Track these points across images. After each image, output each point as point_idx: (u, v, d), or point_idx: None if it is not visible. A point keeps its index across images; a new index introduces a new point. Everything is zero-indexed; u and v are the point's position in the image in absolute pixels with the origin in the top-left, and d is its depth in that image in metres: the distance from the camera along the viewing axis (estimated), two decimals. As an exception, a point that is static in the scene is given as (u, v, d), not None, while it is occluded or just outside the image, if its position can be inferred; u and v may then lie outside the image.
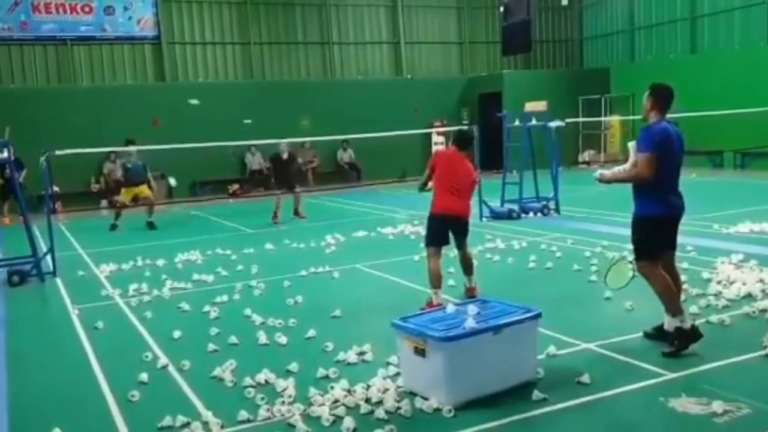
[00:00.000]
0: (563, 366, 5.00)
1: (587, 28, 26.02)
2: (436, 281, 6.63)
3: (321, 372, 5.00)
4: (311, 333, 6.00)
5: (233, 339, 5.94)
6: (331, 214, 14.53)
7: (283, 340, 5.88)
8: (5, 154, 8.91)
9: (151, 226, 13.36)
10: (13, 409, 4.82)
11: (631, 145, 5.40)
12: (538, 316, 4.75)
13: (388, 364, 5.08)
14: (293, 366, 5.14)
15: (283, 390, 4.69)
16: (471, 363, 4.41)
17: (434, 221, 6.80)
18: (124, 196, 13.76)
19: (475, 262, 7.17)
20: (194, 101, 18.11)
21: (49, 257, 9.32)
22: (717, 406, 4.14)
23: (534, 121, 12.83)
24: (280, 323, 6.36)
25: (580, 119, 21.35)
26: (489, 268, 8.40)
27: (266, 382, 4.91)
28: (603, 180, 5.54)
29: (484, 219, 12.18)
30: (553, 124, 12.95)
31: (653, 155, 5.04)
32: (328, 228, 11.93)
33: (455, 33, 24.59)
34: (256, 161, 19.98)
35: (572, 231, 10.66)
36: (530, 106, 13.72)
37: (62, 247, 10.60)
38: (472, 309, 4.76)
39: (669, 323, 5.20)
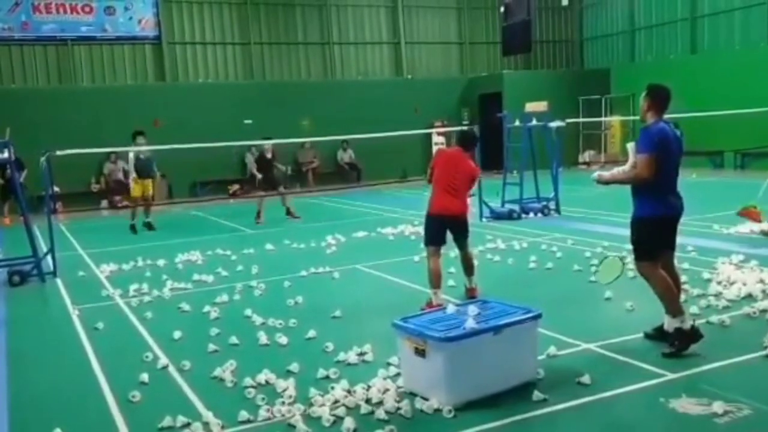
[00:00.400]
0: (563, 366, 5.00)
1: (587, 28, 26.03)
2: (435, 281, 6.63)
3: (321, 372, 5.00)
4: (311, 333, 6.00)
5: (233, 339, 5.94)
6: (332, 215, 14.53)
7: (283, 340, 5.88)
8: (6, 155, 8.91)
9: (149, 226, 13.25)
10: (13, 410, 4.82)
11: (630, 146, 5.40)
12: (539, 316, 4.75)
13: (389, 364, 5.08)
14: (293, 366, 5.14)
15: (284, 390, 4.69)
16: (471, 363, 4.41)
17: (431, 221, 6.82)
18: (136, 190, 13.08)
19: (475, 263, 7.17)
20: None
21: (49, 257, 9.32)
22: (717, 406, 4.14)
23: (534, 122, 12.84)
24: (280, 323, 6.36)
25: (581, 119, 21.35)
26: (489, 268, 8.40)
27: (266, 382, 4.91)
28: (601, 181, 5.54)
29: (484, 219, 12.18)
30: (554, 124, 12.95)
31: (652, 156, 5.04)
32: (328, 228, 11.93)
33: (455, 33, 24.61)
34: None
35: (572, 231, 10.66)
36: (530, 107, 13.72)
37: (62, 248, 10.60)
38: (472, 309, 4.76)
39: (669, 324, 5.20)
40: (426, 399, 4.43)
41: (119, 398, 4.82)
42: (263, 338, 5.93)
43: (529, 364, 4.72)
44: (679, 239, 5.49)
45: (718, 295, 6.56)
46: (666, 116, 5.29)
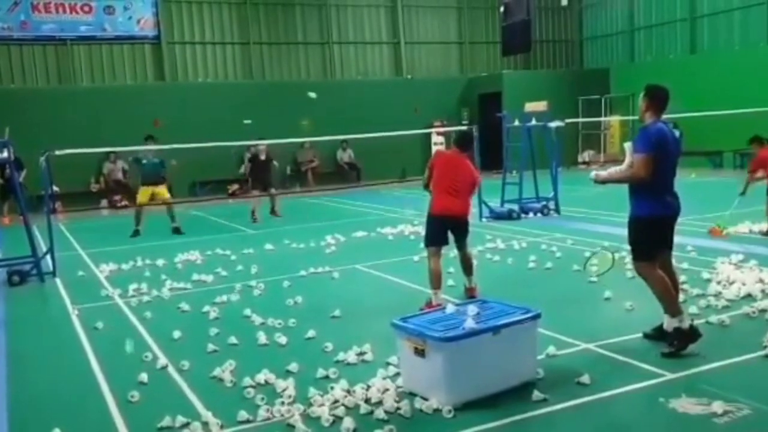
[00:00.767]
0: (563, 366, 5.00)
1: (587, 28, 26.04)
2: (435, 281, 6.64)
3: (321, 372, 5.00)
4: (311, 333, 6.00)
5: (233, 339, 5.94)
6: (331, 215, 14.53)
7: (282, 340, 5.88)
8: (5, 154, 8.90)
9: (177, 231, 12.57)
10: (12, 410, 4.81)
11: (627, 146, 5.42)
12: (538, 316, 4.75)
13: (388, 364, 5.08)
14: (293, 366, 5.13)
15: (283, 390, 4.68)
16: (471, 363, 4.41)
17: (433, 222, 6.82)
18: (142, 196, 12.65)
19: (475, 262, 7.17)
20: (312, 94, 17.05)
21: (48, 257, 9.31)
22: (717, 406, 4.14)
23: (534, 122, 12.84)
24: (279, 323, 6.36)
25: (580, 119, 21.37)
26: (489, 268, 8.40)
27: (266, 382, 4.91)
28: (598, 180, 5.55)
29: (484, 219, 12.18)
30: (553, 124, 12.96)
31: (650, 156, 5.05)
32: (327, 228, 11.93)
33: (455, 33, 24.61)
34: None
35: (572, 231, 10.66)
36: (530, 107, 13.74)
37: (62, 247, 10.59)
38: (471, 309, 4.76)
39: (668, 323, 5.20)
40: (425, 399, 4.43)
41: (118, 398, 4.81)
42: (262, 338, 5.93)
43: (528, 364, 4.72)
44: (679, 239, 5.50)
45: (717, 295, 6.56)
46: (666, 116, 5.29)
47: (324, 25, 22.53)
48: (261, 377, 4.95)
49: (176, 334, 6.19)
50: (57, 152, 10.02)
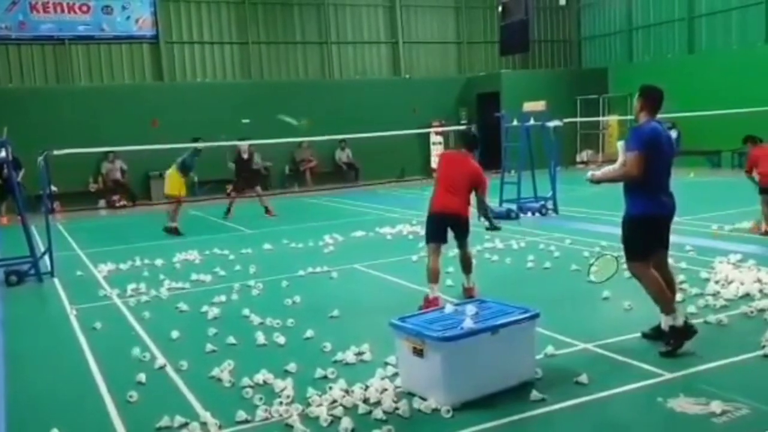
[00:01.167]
0: (561, 366, 5.01)
1: (585, 28, 26.04)
2: (433, 276, 6.67)
3: (319, 372, 5.00)
4: (309, 333, 5.99)
5: (231, 339, 5.93)
6: (329, 214, 14.53)
7: (281, 340, 5.87)
8: (3, 154, 8.89)
9: (171, 231, 12.45)
10: (10, 410, 4.81)
11: (620, 144, 5.45)
12: (536, 316, 4.75)
13: (387, 364, 5.07)
14: (291, 366, 5.13)
15: (282, 390, 4.68)
16: (469, 363, 4.41)
17: (432, 219, 6.87)
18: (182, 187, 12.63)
19: (473, 262, 7.18)
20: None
21: (47, 257, 9.31)
22: (715, 406, 4.15)
23: (532, 121, 12.85)
24: (278, 323, 6.36)
25: (578, 119, 21.38)
26: (487, 267, 8.41)
27: (264, 382, 4.91)
28: (594, 180, 5.56)
29: (482, 219, 12.14)
30: (551, 123, 12.97)
31: (642, 154, 5.07)
32: (326, 228, 11.92)
33: (453, 33, 24.60)
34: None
35: (570, 231, 10.67)
36: (528, 106, 13.72)
37: (60, 247, 10.57)
38: (470, 309, 4.76)
39: (665, 323, 5.21)
40: (424, 399, 4.43)
41: (117, 398, 4.81)
42: (261, 338, 5.93)
43: (527, 364, 4.72)
44: (677, 239, 5.51)
45: (715, 295, 6.57)
46: (666, 116, 5.30)
47: (322, 25, 22.52)
48: (259, 377, 4.95)
49: (174, 334, 6.18)
50: (55, 152, 10.01)
